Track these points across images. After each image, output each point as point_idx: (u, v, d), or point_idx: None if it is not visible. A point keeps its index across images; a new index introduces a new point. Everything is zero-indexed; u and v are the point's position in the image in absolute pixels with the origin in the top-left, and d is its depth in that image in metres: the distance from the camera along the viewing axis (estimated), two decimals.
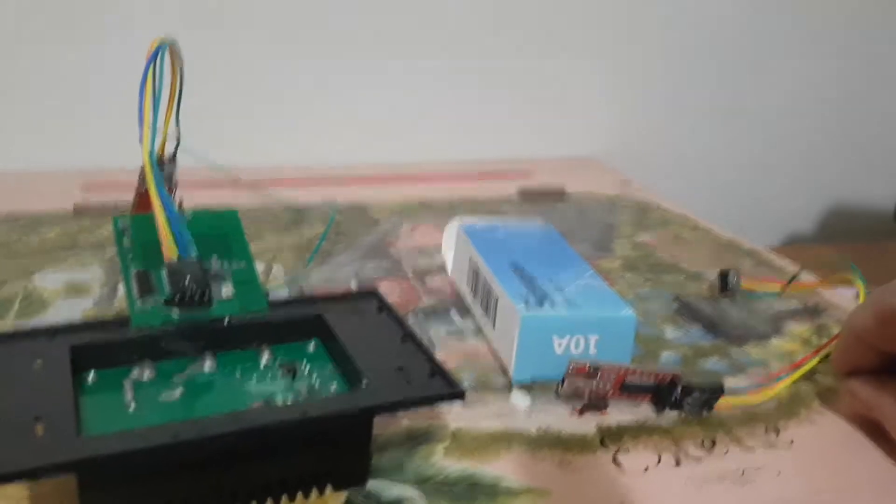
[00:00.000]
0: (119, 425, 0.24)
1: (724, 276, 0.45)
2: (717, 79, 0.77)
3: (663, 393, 0.33)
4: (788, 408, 0.35)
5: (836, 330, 0.42)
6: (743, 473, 0.30)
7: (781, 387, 0.35)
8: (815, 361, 0.35)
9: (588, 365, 0.32)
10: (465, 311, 0.41)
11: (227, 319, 0.29)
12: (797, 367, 0.35)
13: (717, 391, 0.33)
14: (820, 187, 0.87)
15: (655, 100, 0.76)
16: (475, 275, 0.40)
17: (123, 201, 0.52)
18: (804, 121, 0.83)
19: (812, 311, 0.44)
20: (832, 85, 0.82)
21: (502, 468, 0.29)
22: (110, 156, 0.59)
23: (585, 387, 0.33)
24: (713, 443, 0.32)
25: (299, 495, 0.26)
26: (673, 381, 0.33)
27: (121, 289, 0.41)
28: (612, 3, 0.71)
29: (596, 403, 0.33)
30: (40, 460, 0.21)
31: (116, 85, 0.53)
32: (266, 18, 0.62)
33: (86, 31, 0.58)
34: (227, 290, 0.29)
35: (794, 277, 0.44)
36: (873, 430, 0.33)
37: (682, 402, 0.33)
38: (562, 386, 0.33)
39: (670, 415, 0.33)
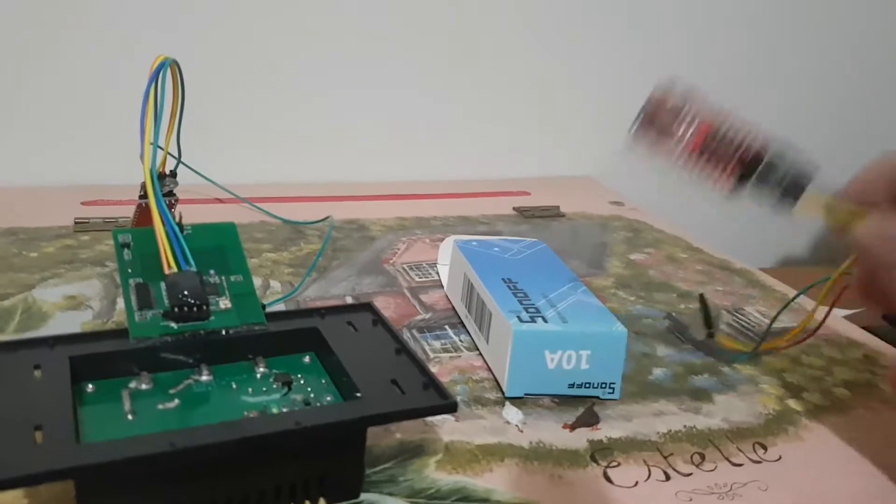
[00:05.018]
0: (117, 434, 0.24)
1: (707, 319, 0.44)
2: (711, 99, 0.78)
3: (749, 165, 0.29)
4: (776, 424, 0.35)
5: (829, 352, 0.43)
6: (731, 488, 0.30)
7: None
8: (833, 279, 0.35)
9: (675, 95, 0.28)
10: (459, 326, 0.42)
11: (224, 331, 0.29)
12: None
13: (805, 178, 0.30)
14: None
15: None
16: (469, 290, 0.41)
17: (123, 216, 0.54)
18: (797, 142, 0.83)
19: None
20: (827, 106, 0.83)
21: (494, 482, 0.30)
22: (110, 171, 0.60)
23: (668, 124, 0.29)
24: (702, 458, 0.32)
25: None
26: (758, 155, 0.29)
27: (120, 302, 0.41)
28: (609, 26, 0.72)
29: (589, 420, 0.33)
30: (40, 467, 0.22)
31: (117, 101, 0.54)
32: (265, 38, 0.63)
33: (88, 49, 0.59)
34: (224, 302, 0.30)
35: (766, 333, 0.41)
36: None
37: (769, 178, 0.30)
38: (638, 122, 0.29)
39: (659, 426, 0.34)
